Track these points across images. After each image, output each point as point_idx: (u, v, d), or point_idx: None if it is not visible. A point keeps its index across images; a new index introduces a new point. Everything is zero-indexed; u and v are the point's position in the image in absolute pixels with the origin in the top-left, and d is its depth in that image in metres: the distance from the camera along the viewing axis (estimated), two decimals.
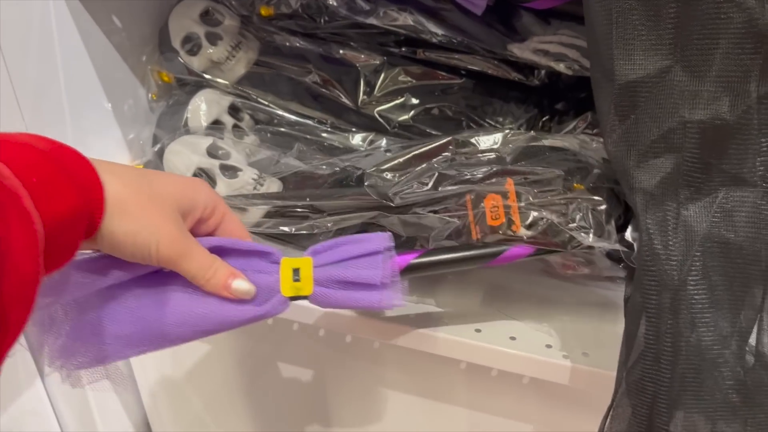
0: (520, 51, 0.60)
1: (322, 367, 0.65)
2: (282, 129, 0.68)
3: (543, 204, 0.45)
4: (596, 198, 0.44)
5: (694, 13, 0.34)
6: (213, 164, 0.56)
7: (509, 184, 0.46)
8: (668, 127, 0.36)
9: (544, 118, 0.68)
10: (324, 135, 0.67)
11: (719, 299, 0.36)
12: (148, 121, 0.70)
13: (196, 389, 0.74)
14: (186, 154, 0.55)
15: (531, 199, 0.45)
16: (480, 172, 0.48)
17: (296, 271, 0.40)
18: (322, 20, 0.69)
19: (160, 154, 0.56)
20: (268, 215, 0.53)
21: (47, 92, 0.60)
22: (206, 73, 0.68)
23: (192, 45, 0.67)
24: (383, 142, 0.66)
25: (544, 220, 0.44)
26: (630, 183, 0.39)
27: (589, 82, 0.65)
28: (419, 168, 0.51)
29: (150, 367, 0.75)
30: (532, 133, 0.53)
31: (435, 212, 0.47)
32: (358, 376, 0.64)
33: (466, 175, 0.47)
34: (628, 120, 0.37)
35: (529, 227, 0.44)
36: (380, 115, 0.67)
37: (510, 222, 0.44)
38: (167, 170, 0.56)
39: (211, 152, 0.57)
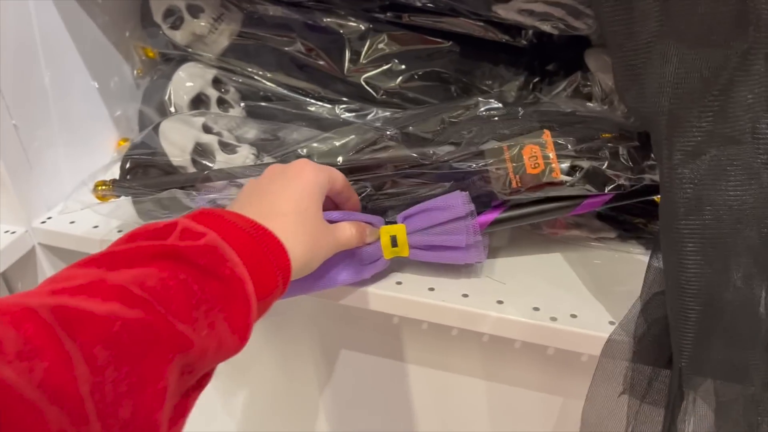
0: (504, 11, 0.59)
1: (336, 340, 0.65)
2: (268, 103, 0.67)
3: (580, 150, 0.47)
4: (630, 140, 0.47)
5: None
6: (212, 139, 0.56)
7: (546, 135, 0.48)
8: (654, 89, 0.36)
9: (534, 80, 0.67)
10: (311, 108, 0.66)
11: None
12: (133, 97, 0.69)
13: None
14: (184, 130, 0.54)
15: (569, 147, 0.47)
16: (512, 126, 0.50)
17: (393, 239, 0.48)
18: None
19: (155, 130, 0.55)
20: None
21: (28, 73, 0.59)
22: (190, 47, 0.67)
23: (174, 19, 0.66)
24: (373, 112, 0.65)
25: (585, 165, 0.46)
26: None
27: (578, 42, 0.64)
28: (449, 125, 0.53)
29: None
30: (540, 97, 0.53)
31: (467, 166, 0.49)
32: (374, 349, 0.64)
33: (501, 129, 0.49)
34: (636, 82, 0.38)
35: (568, 173, 0.46)
36: (367, 83, 0.66)
37: (550, 170, 0.46)
38: (165, 146, 0.55)
39: (207, 128, 0.57)
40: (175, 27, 0.66)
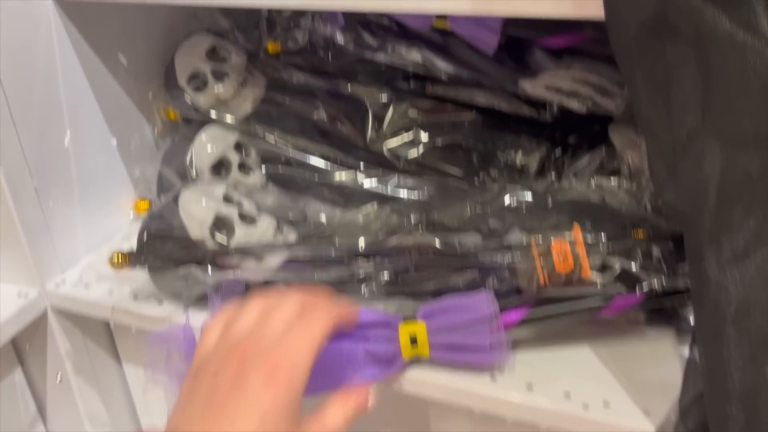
0: (531, 88, 0.59)
1: None
2: (289, 168, 0.66)
3: (613, 250, 0.46)
4: (664, 241, 0.46)
5: (723, 73, 0.33)
6: (231, 211, 0.54)
7: (576, 231, 0.46)
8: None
9: (556, 152, 0.67)
10: (333, 175, 0.66)
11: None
12: (153, 158, 0.69)
13: None
14: (204, 201, 0.53)
15: (600, 246, 0.46)
16: (541, 219, 0.50)
17: (413, 338, 0.46)
18: (329, 56, 0.68)
19: (175, 201, 0.54)
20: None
21: (51, 133, 0.59)
22: (213, 110, 0.67)
23: (198, 82, 0.66)
24: (395, 180, 0.64)
25: (616, 265, 0.45)
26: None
27: (601, 115, 0.64)
28: (476, 214, 0.52)
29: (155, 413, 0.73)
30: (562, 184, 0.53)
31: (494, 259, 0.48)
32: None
33: (530, 221, 0.49)
34: (674, 177, 0.37)
35: (599, 273, 0.45)
36: (389, 152, 0.66)
37: (580, 268, 0.45)
38: (184, 219, 0.53)
39: (227, 199, 0.56)
40: (199, 90, 0.66)
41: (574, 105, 0.57)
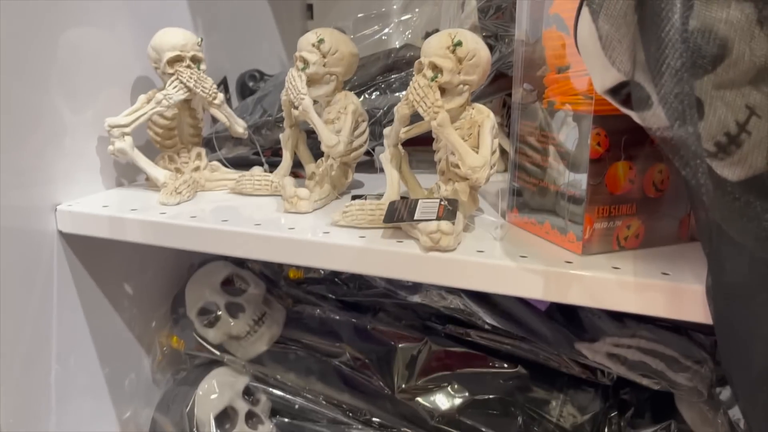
0: (591, 353, 0.52)
1: None
2: (303, 421, 0.57)
3: None
4: None
5: None
6: None
7: None
8: None
9: (612, 414, 0.58)
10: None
11: None
12: (148, 397, 0.60)
13: None
14: None
15: None
16: None
17: None
18: (356, 287, 0.62)
19: None
20: None
21: (34, 372, 0.51)
22: (223, 346, 0.59)
23: (210, 317, 0.59)
24: None
25: None
26: None
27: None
28: None
29: None
30: None
31: None
32: None
33: None
34: None
35: None
36: (420, 405, 0.57)
37: None
38: None
39: None
40: (209, 325, 0.59)
41: (645, 382, 0.49)
